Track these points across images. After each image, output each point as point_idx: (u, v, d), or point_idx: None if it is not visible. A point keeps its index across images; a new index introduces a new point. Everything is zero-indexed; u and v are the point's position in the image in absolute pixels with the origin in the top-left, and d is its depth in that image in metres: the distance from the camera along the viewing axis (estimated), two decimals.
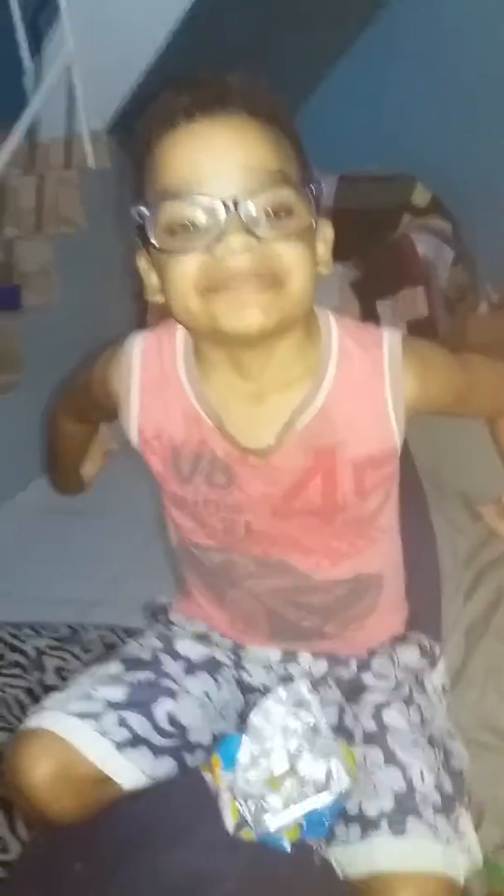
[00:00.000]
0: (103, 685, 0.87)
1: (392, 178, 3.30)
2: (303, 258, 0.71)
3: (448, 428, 1.18)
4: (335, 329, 0.81)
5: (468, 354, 0.91)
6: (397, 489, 0.89)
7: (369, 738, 0.84)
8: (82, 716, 0.82)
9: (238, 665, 0.95)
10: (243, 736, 0.82)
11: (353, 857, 0.76)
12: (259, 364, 0.77)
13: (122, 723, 0.83)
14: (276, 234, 0.69)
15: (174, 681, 0.90)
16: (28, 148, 3.06)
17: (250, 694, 0.94)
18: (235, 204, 0.67)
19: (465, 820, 0.80)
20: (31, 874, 0.86)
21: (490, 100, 3.42)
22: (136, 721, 0.84)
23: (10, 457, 2.49)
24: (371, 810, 0.77)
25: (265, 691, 0.91)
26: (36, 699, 1.05)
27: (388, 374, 0.79)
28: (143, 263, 0.77)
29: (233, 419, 0.80)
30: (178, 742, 0.87)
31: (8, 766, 0.81)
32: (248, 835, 0.79)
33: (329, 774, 0.78)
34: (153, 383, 0.83)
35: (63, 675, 1.13)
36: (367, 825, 0.76)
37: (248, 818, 0.78)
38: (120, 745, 0.82)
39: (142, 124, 0.72)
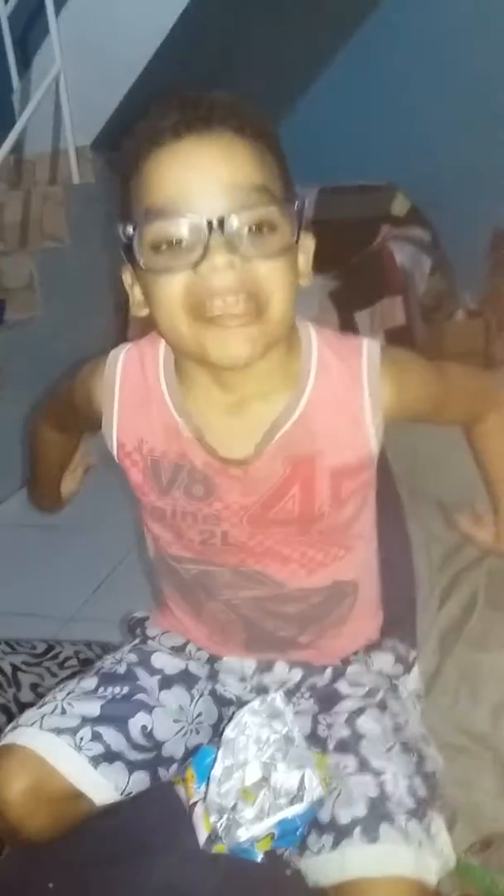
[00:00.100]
0: (78, 700, 0.87)
1: (372, 188, 3.34)
2: (284, 277, 0.72)
3: (424, 435, 1.19)
4: (315, 340, 0.82)
5: (445, 363, 0.92)
6: (374, 496, 0.90)
7: (343, 746, 0.84)
8: (57, 731, 0.83)
9: (213, 678, 0.95)
10: (217, 750, 0.82)
11: (326, 866, 0.76)
12: (240, 378, 0.78)
13: (97, 738, 0.84)
14: (260, 252, 0.70)
15: (149, 695, 0.90)
16: (14, 163, 3.08)
17: (225, 707, 0.95)
18: (221, 222, 0.68)
19: (438, 822, 0.81)
20: (3, 893, 0.85)
21: (469, 110, 3.46)
22: (112, 736, 0.85)
23: None
24: (344, 818, 0.78)
25: (239, 704, 0.92)
26: (11, 716, 1.04)
27: (366, 383, 0.80)
28: (127, 278, 0.78)
29: (213, 430, 0.81)
30: (153, 756, 0.87)
31: None
32: (220, 848, 0.80)
33: (302, 784, 0.79)
34: (135, 396, 0.85)
35: (39, 692, 1.12)
36: (340, 833, 0.77)
37: (221, 832, 0.78)
38: (95, 761, 0.82)
39: (129, 142, 0.73)
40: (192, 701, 0.93)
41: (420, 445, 1.33)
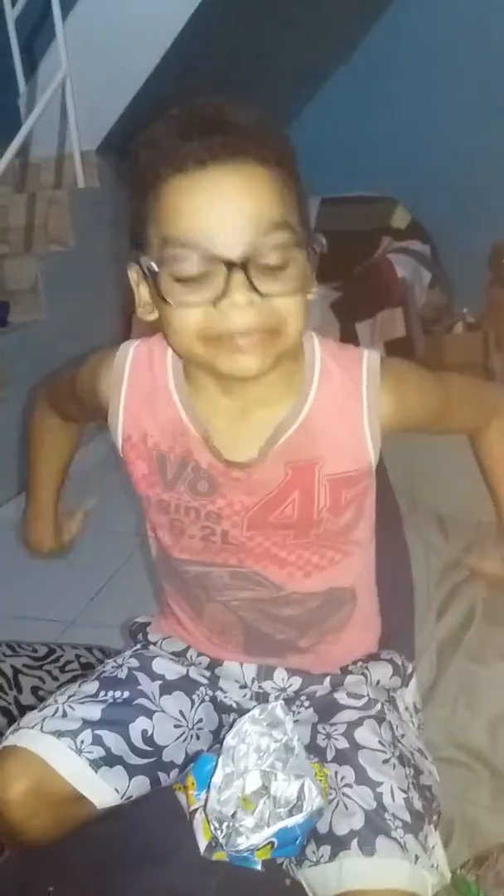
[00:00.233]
0: (80, 703, 0.87)
1: (373, 200, 3.36)
2: (299, 307, 0.74)
3: (423, 448, 1.20)
4: (318, 349, 0.84)
5: (445, 373, 0.94)
6: (373, 505, 0.92)
7: (341, 757, 0.85)
8: (58, 734, 0.83)
9: (213, 684, 0.96)
10: (218, 757, 0.82)
11: (324, 877, 0.77)
12: (246, 386, 0.79)
13: (98, 741, 0.84)
14: (279, 289, 0.71)
15: (150, 700, 0.91)
16: (19, 167, 3.09)
17: (225, 713, 0.95)
18: (244, 264, 0.69)
19: (434, 837, 0.82)
20: None
21: (471, 124, 3.49)
22: (112, 740, 0.85)
23: None
24: (341, 829, 0.78)
25: (239, 710, 0.93)
26: (12, 719, 1.05)
27: (366, 393, 0.82)
28: (133, 275, 0.79)
29: (218, 433, 0.83)
30: (153, 761, 0.88)
31: None
32: (220, 856, 0.80)
33: (302, 794, 0.79)
34: (142, 391, 0.86)
35: (39, 695, 1.13)
36: (338, 845, 0.78)
37: (221, 839, 0.78)
38: (95, 764, 0.83)
39: (143, 152, 0.72)
40: (192, 706, 0.93)
41: (419, 459, 1.33)
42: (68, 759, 0.82)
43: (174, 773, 0.90)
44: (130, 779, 0.85)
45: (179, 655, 0.97)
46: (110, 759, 0.84)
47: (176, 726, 0.91)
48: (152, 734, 0.88)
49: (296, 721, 0.89)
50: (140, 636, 1.02)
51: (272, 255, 0.70)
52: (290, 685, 0.93)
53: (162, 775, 0.89)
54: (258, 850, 0.78)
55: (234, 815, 0.79)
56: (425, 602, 1.21)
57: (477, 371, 3.01)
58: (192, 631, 0.96)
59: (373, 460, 0.85)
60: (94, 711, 0.86)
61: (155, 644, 0.99)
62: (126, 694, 0.90)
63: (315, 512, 0.84)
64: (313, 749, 0.87)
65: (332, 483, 0.84)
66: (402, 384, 0.85)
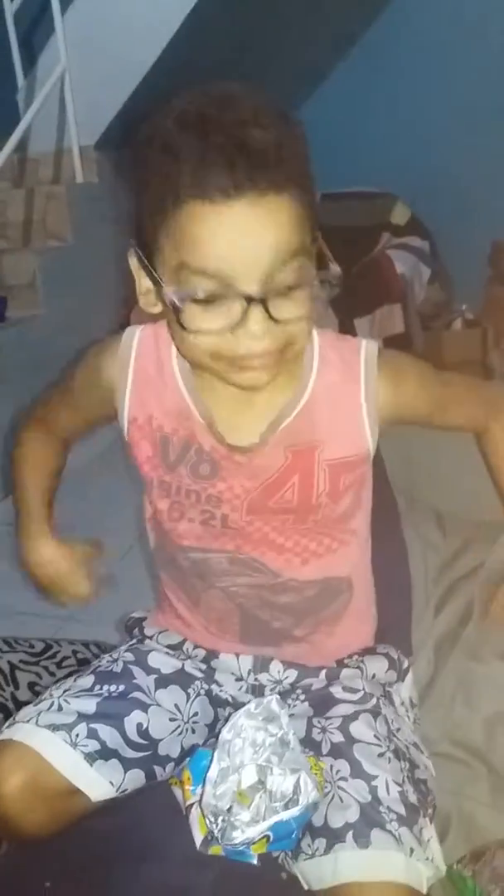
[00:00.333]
0: (75, 697, 0.88)
1: (373, 196, 3.35)
2: (309, 324, 0.76)
3: (422, 445, 1.20)
4: (317, 339, 0.85)
5: (446, 372, 0.94)
6: (370, 498, 0.93)
7: (336, 751, 0.85)
8: (53, 728, 0.83)
9: (209, 678, 0.96)
10: (213, 752, 0.82)
11: (319, 869, 0.78)
12: None
13: (93, 735, 0.84)
14: (293, 314, 0.72)
15: (145, 693, 0.91)
16: (17, 162, 3.09)
17: (220, 707, 0.95)
18: (263, 299, 0.69)
19: (429, 830, 0.83)
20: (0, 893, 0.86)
21: (471, 121, 3.49)
22: (107, 733, 0.85)
23: None
24: (336, 822, 0.79)
25: (235, 704, 0.93)
26: (9, 714, 1.05)
27: (364, 381, 0.84)
28: (134, 262, 0.78)
29: (221, 418, 0.84)
30: (149, 754, 0.88)
31: None
32: (216, 850, 0.80)
33: (297, 788, 0.79)
34: (148, 375, 0.87)
35: (36, 691, 1.13)
36: (333, 837, 0.78)
37: (217, 834, 0.78)
38: (90, 757, 0.83)
39: (165, 169, 0.69)
40: (187, 700, 0.93)
41: (418, 456, 1.33)
42: (63, 753, 0.82)
43: (170, 766, 0.90)
44: (125, 772, 0.85)
45: (175, 649, 0.97)
46: (105, 753, 0.84)
47: (171, 720, 0.91)
48: (147, 728, 0.88)
49: (291, 715, 0.89)
50: (136, 631, 1.02)
51: (288, 279, 0.71)
52: (286, 677, 0.94)
53: (157, 769, 0.89)
54: (254, 843, 0.78)
55: (229, 810, 0.79)
56: (423, 598, 1.21)
57: (476, 368, 3.01)
58: (188, 621, 0.96)
59: (370, 447, 0.86)
60: (90, 705, 0.87)
61: (151, 638, 0.99)
62: (121, 688, 0.90)
63: (314, 496, 0.85)
64: (309, 743, 0.88)
65: (332, 468, 0.85)
66: (400, 374, 0.86)
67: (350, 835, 0.77)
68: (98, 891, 0.81)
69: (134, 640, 1.00)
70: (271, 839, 0.78)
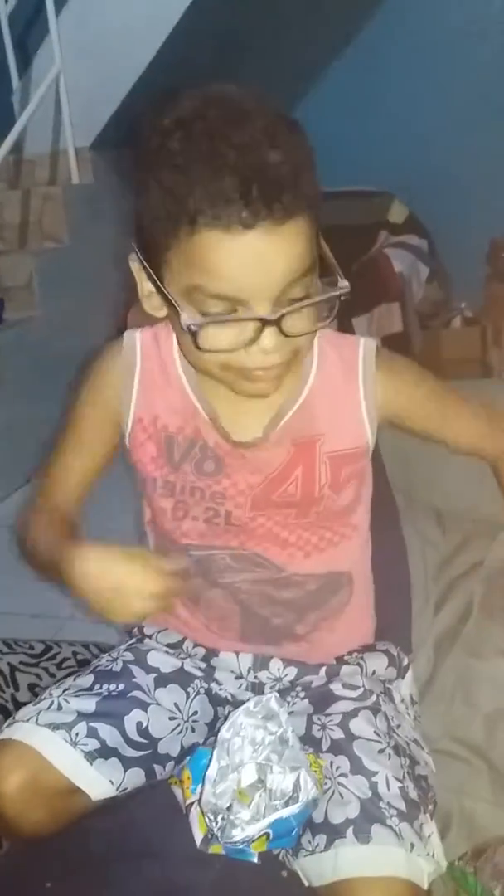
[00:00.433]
0: (75, 696, 0.88)
1: (370, 194, 3.35)
2: (314, 333, 0.78)
3: (420, 444, 1.19)
4: (316, 337, 0.86)
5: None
6: (370, 494, 0.94)
7: (336, 747, 0.86)
8: (53, 727, 0.83)
9: (209, 676, 0.96)
10: (213, 751, 0.82)
11: (320, 865, 0.78)
12: None
13: (93, 733, 0.84)
14: (302, 328, 0.74)
15: (145, 692, 0.91)
16: (13, 163, 3.09)
17: (220, 706, 0.95)
18: (278, 319, 0.71)
19: (430, 826, 0.83)
20: (1, 893, 0.85)
21: (468, 119, 3.49)
22: (107, 732, 0.85)
23: None
24: (337, 818, 0.79)
25: (234, 703, 0.93)
26: (9, 716, 1.05)
27: (362, 376, 0.87)
28: (135, 266, 0.79)
29: (225, 415, 0.86)
30: (148, 753, 0.88)
31: None
32: (216, 849, 0.80)
33: (297, 786, 0.79)
34: (153, 374, 0.88)
35: (36, 692, 1.12)
36: (333, 833, 0.78)
37: (216, 832, 0.78)
38: (90, 756, 0.83)
39: (177, 188, 0.68)
40: (187, 699, 0.93)
41: (416, 454, 1.33)
42: (63, 752, 0.82)
43: (169, 765, 0.90)
44: (125, 771, 0.85)
45: (175, 647, 0.97)
46: (105, 752, 0.84)
47: (171, 719, 0.91)
48: (147, 727, 0.88)
49: (291, 712, 0.89)
50: (135, 630, 1.02)
51: (298, 295, 0.72)
52: (286, 675, 0.94)
53: (157, 767, 0.89)
54: (254, 841, 0.78)
55: (229, 808, 0.79)
56: (423, 596, 1.20)
57: (475, 366, 3.01)
58: (188, 621, 0.96)
59: (370, 441, 0.88)
60: (89, 704, 0.87)
61: (150, 637, 0.99)
62: (121, 687, 0.90)
63: (316, 489, 0.87)
64: (308, 740, 0.88)
65: (332, 460, 0.87)
66: (396, 372, 0.89)
67: (350, 830, 0.77)
68: (98, 890, 0.81)
69: (133, 639, 1.00)
70: (271, 837, 0.78)
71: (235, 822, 0.78)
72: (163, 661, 0.95)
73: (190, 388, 0.86)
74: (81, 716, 0.85)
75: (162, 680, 0.93)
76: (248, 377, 0.76)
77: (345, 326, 2.93)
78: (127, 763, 0.85)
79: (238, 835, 0.77)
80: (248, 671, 0.94)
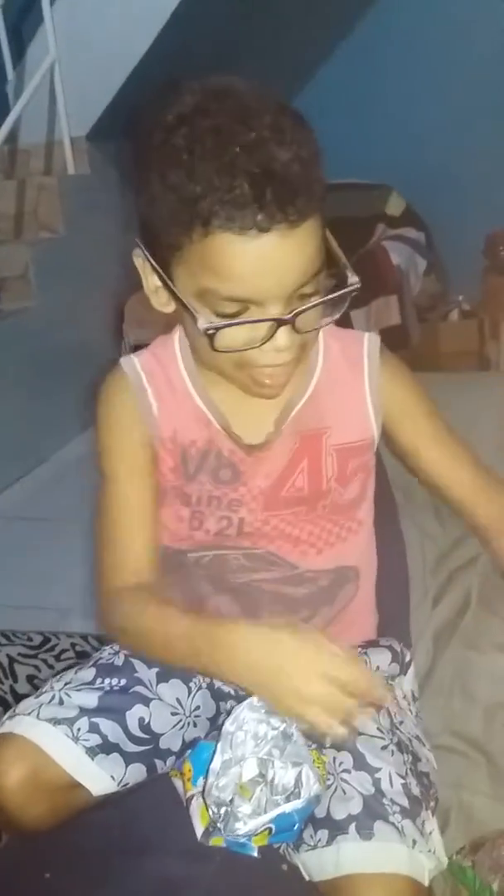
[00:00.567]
0: (76, 691, 0.87)
1: (368, 187, 3.35)
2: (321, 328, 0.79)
3: None
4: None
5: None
6: (373, 488, 0.95)
7: (339, 743, 0.85)
8: (54, 721, 0.83)
9: None
10: (216, 744, 0.82)
11: (321, 861, 0.78)
12: None
13: (95, 729, 0.84)
14: (313, 324, 0.75)
15: (147, 687, 0.90)
16: (8, 154, 3.07)
17: (222, 701, 0.95)
18: (292, 318, 0.72)
19: (431, 822, 0.83)
20: (1, 884, 0.85)
21: (466, 112, 3.48)
22: (109, 727, 0.85)
23: None
24: (339, 814, 0.79)
25: (237, 697, 0.92)
26: (8, 707, 1.05)
27: (367, 369, 0.89)
28: (139, 261, 0.79)
29: (236, 419, 0.87)
30: (150, 748, 0.88)
31: None
32: (217, 841, 0.80)
33: (299, 781, 0.79)
34: (164, 393, 0.89)
35: (35, 684, 1.12)
36: (335, 829, 0.78)
37: (220, 824, 0.79)
38: (92, 752, 0.83)
39: (186, 189, 0.67)
40: (189, 694, 0.93)
41: None
42: (65, 747, 0.81)
43: (171, 760, 0.90)
44: (127, 766, 0.85)
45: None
46: (107, 747, 0.84)
47: (173, 714, 0.90)
48: (149, 722, 0.88)
49: None
50: None
51: (309, 291, 0.73)
52: None
53: (158, 762, 0.89)
54: (256, 835, 0.78)
55: (231, 802, 0.79)
56: (421, 590, 1.21)
57: (472, 359, 3.01)
58: None
59: (375, 434, 0.90)
60: (91, 699, 0.86)
61: None
62: (123, 681, 0.90)
63: (324, 482, 0.88)
64: (311, 736, 0.88)
65: (339, 453, 0.88)
66: (397, 370, 0.91)
67: (353, 826, 0.77)
68: (98, 882, 0.81)
69: None
70: (273, 831, 0.79)
71: (238, 815, 0.78)
72: None
73: (199, 398, 0.87)
74: (83, 711, 0.85)
75: (164, 674, 0.92)
76: (260, 375, 0.77)
77: (342, 319, 2.93)
78: (128, 758, 0.85)
79: (241, 828, 0.77)
80: None
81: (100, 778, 0.83)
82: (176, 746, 0.90)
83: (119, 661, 0.93)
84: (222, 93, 0.70)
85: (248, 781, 0.80)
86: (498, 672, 1.09)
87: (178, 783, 0.86)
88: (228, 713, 0.85)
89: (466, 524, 0.99)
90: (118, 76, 2.86)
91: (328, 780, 0.82)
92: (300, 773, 0.80)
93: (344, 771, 0.83)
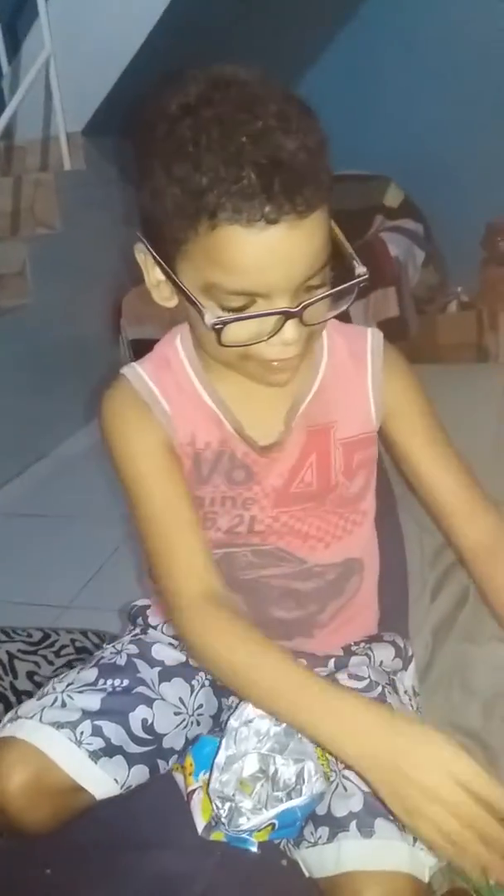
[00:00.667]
0: (79, 693, 0.87)
1: (366, 178, 3.34)
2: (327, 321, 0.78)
3: None
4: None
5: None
6: (375, 480, 0.95)
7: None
8: (57, 725, 0.83)
9: None
10: (219, 739, 0.82)
11: (322, 857, 0.78)
12: None
13: (98, 732, 0.84)
14: (320, 317, 0.74)
15: (149, 687, 0.91)
16: (4, 150, 3.06)
17: (225, 697, 0.95)
18: (300, 312, 0.71)
19: None
20: (0, 880, 0.86)
21: (464, 103, 3.47)
22: (112, 730, 0.85)
23: None
24: (340, 811, 0.79)
25: None
26: (8, 704, 1.05)
27: (370, 365, 0.88)
28: (140, 256, 0.78)
29: (247, 417, 0.86)
30: (153, 749, 0.88)
31: None
32: (218, 836, 0.80)
33: (301, 777, 0.79)
34: (173, 395, 0.87)
35: (35, 680, 1.13)
36: (336, 826, 0.78)
37: (224, 819, 0.79)
38: (95, 755, 0.83)
39: (190, 180, 0.66)
40: (192, 692, 0.93)
41: None
42: (68, 751, 0.82)
43: (173, 758, 0.90)
44: (130, 768, 0.85)
45: (179, 639, 0.96)
46: (110, 750, 0.84)
47: (176, 713, 0.91)
48: (152, 723, 0.88)
49: None
50: (140, 620, 1.02)
51: (315, 283, 0.72)
52: None
53: (161, 762, 0.89)
54: (258, 831, 0.78)
55: (233, 797, 0.79)
56: (420, 583, 1.21)
57: (471, 350, 3.01)
58: None
59: (376, 425, 0.90)
60: (94, 701, 0.86)
61: (155, 628, 0.99)
62: (125, 682, 0.90)
63: (332, 475, 0.88)
64: None
65: (345, 446, 0.88)
66: (399, 365, 0.90)
67: (354, 824, 0.77)
68: (98, 878, 0.81)
69: (137, 630, 1.00)
70: (275, 827, 0.79)
71: (242, 811, 0.78)
72: (167, 654, 0.95)
73: (210, 400, 0.86)
74: (86, 714, 0.84)
75: (166, 674, 0.93)
76: (266, 368, 0.76)
77: (341, 312, 2.92)
78: (132, 760, 0.85)
79: (245, 824, 0.77)
80: None
81: (103, 781, 0.83)
82: (179, 746, 0.90)
83: (121, 660, 0.93)
84: (226, 82, 0.68)
85: (248, 777, 0.80)
86: (496, 661, 1.09)
87: (179, 777, 0.87)
88: (231, 708, 0.85)
89: (446, 540, 0.97)
90: (114, 70, 2.84)
91: (331, 777, 0.82)
92: (302, 769, 0.80)
93: (345, 768, 0.82)
